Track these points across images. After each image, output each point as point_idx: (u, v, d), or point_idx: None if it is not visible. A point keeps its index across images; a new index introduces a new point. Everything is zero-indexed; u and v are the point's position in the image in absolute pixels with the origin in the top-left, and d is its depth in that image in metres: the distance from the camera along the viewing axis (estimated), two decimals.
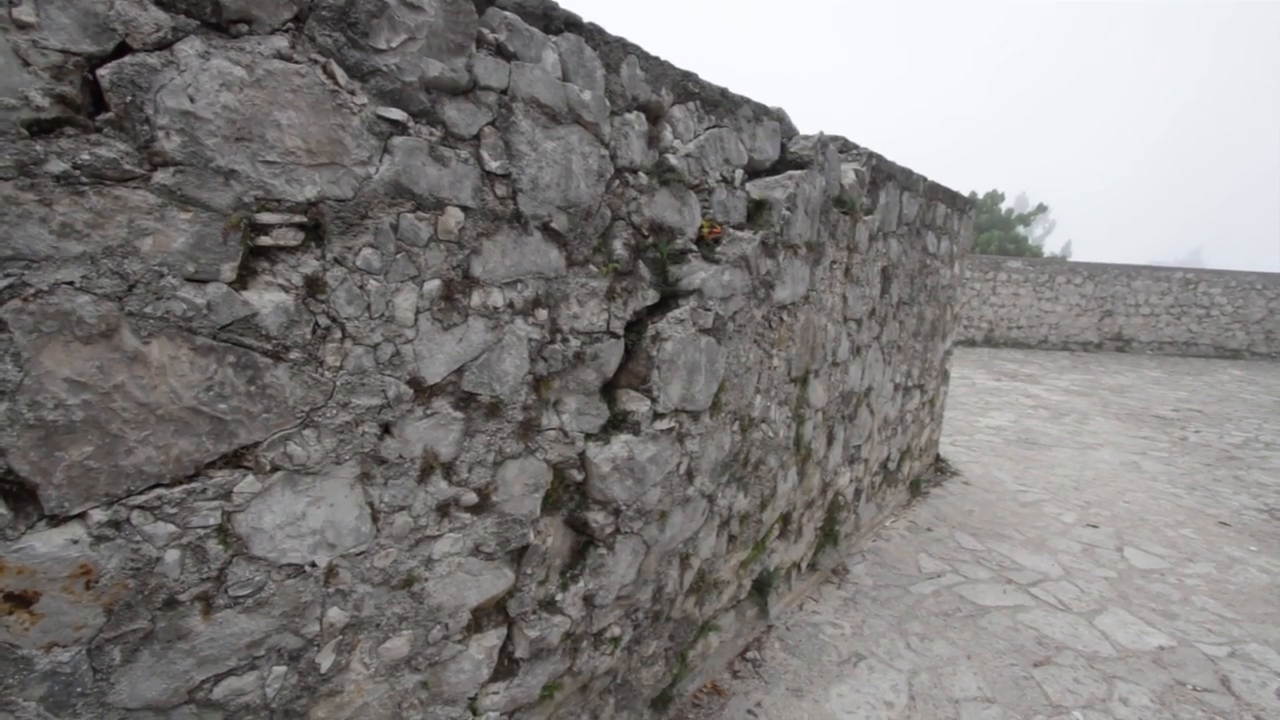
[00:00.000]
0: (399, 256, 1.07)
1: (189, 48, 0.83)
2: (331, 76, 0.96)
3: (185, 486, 0.89)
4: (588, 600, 1.56)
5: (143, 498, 0.85)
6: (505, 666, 1.42)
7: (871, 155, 2.68)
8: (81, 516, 0.81)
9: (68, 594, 0.81)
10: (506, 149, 1.21)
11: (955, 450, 5.43)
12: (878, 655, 2.50)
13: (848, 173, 2.44)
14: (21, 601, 0.78)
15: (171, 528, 0.88)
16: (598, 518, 1.53)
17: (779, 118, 2.11)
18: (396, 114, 1.04)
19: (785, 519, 2.56)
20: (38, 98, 0.73)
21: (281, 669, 1.02)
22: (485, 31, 1.16)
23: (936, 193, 3.68)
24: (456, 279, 1.16)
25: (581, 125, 1.36)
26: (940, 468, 4.80)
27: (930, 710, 2.21)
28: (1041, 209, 17.80)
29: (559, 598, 1.50)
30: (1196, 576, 3.31)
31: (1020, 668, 2.46)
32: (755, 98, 1.98)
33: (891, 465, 3.79)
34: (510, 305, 1.27)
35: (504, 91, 1.19)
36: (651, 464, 1.61)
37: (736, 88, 1.87)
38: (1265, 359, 12.99)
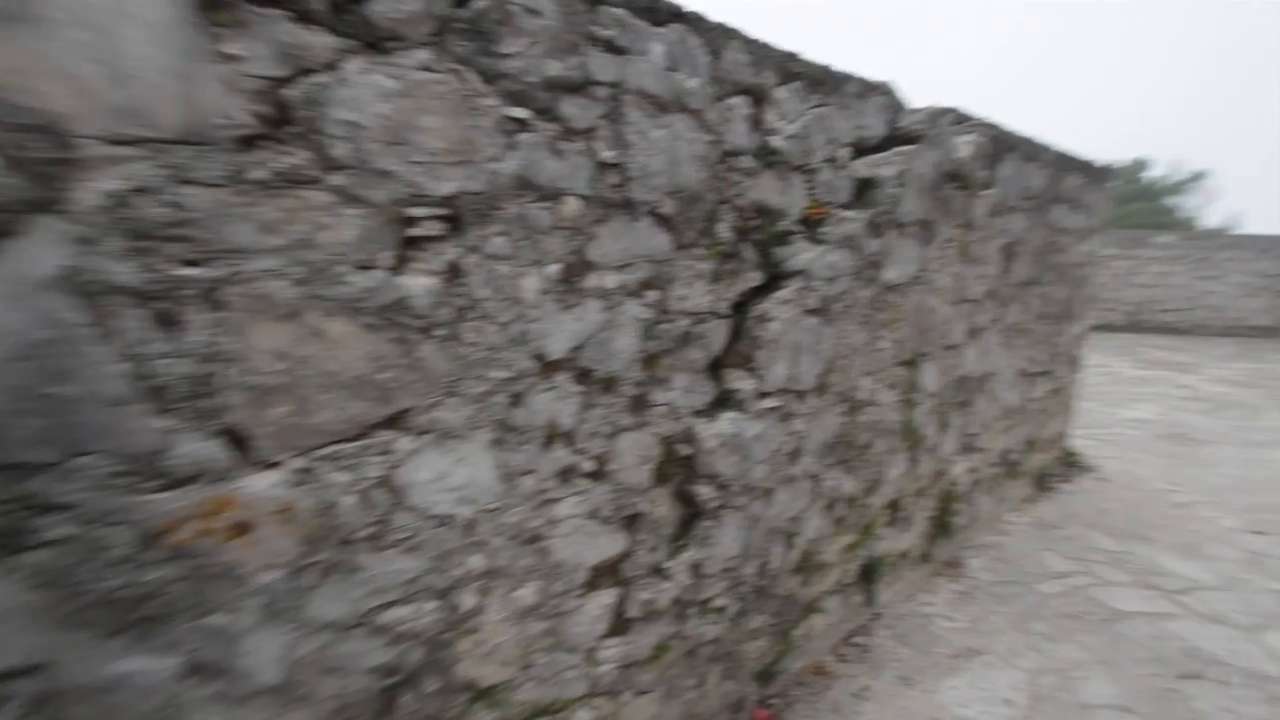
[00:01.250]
0: (524, 243, 1.18)
1: (353, 66, 0.97)
2: (466, 82, 1.08)
3: (357, 443, 1.05)
4: (695, 569, 1.63)
5: (326, 450, 1.02)
6: (619, 624, 1.52)
7: (991, 126, 2.53)
8: (282, 464, 0.98)
9: (274, 526, 0.98)
10: (617, 139, 1.29)
11: (1090, 445, 4.96)
12: (996, 652, 2.38)
13: (963, 146, 2.32)
14: (243, 530, 0.96)
15: (348, 477, 1.04)
16: (704, 491, 1.59)
17: (886, 92, 2.05)
18: (521, 113, 1.14)
19: (894, 506, 2.50)
20: (243, 117, 0.89)
21: (432, 604, 1.18)
22: (596, 29, 1.24)
23: (1067, 162, 3.38)
24: (574, 262, 1.26)
25: (687, 112, 1.41)
26: (1071, 462, 4.43)
27: (1056, 713, 2.08)
28: (1197, 177, 15.61)
29: (668, 565, 1.58)
30: None
31: (1164, 679, 2.26)
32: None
33: (1013, 457, 3.55)
34: (622, 287, 1.35)
35: (615, 85, 1.27)
36: (757, 441, 1.65)
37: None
38: None
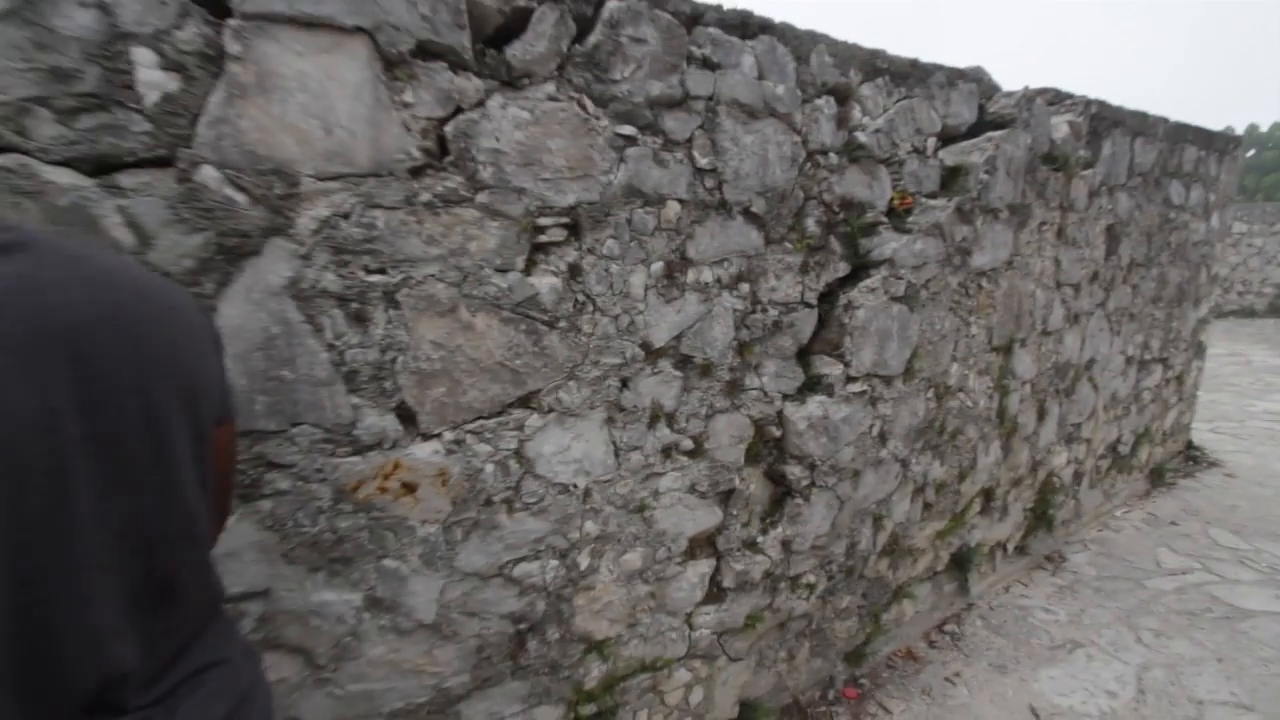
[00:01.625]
0: (632, 244, 1.33)
1: (495, 102, 1.15)
2: (583, 108, 1.24)
3: (496, 419, 1.24)
4: (785, 545, 1.74)
5: (472, 425, 1.21)
6: (715, 593, 1.66)
7: (1091, 103, 2.44)
8: (439, 435, 1.19)
9: (433, 487, 1.19)
10: (712, 146, 1.42)
11: (1218, 438, 4.59)
12: (1099, 645, 2.33)
13: (1060, 126, 2.27)
14: (409, 489, 1.17)
15: (488, 448, 1.23)
16: (794, 471, 1.70)
17: (976, 78, 2.05)
18: (628, 129, 1.29)
19: (988, 494, 2.48)
20: (414, 151, 1.09)
21: (555, 562, 1.36)
22: (694, 49, 1.37)
23: (1183, 134, 3.17)
24: (675, 260, 1.40)
25: (776, 117, 1.52)
26: (1193, 456, 4.13)
27: (1165, 707, 2.03)
28: None
29: (760, 539, 1.70)
30: None
31: None
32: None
33: (1123, 449, 3.38)
34: (718, 280, 1.48)
35: (710, 98, 1.39)
36: (844, 424, 1.74)
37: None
38: None
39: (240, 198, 0.96)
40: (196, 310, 0.68)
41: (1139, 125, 2.80)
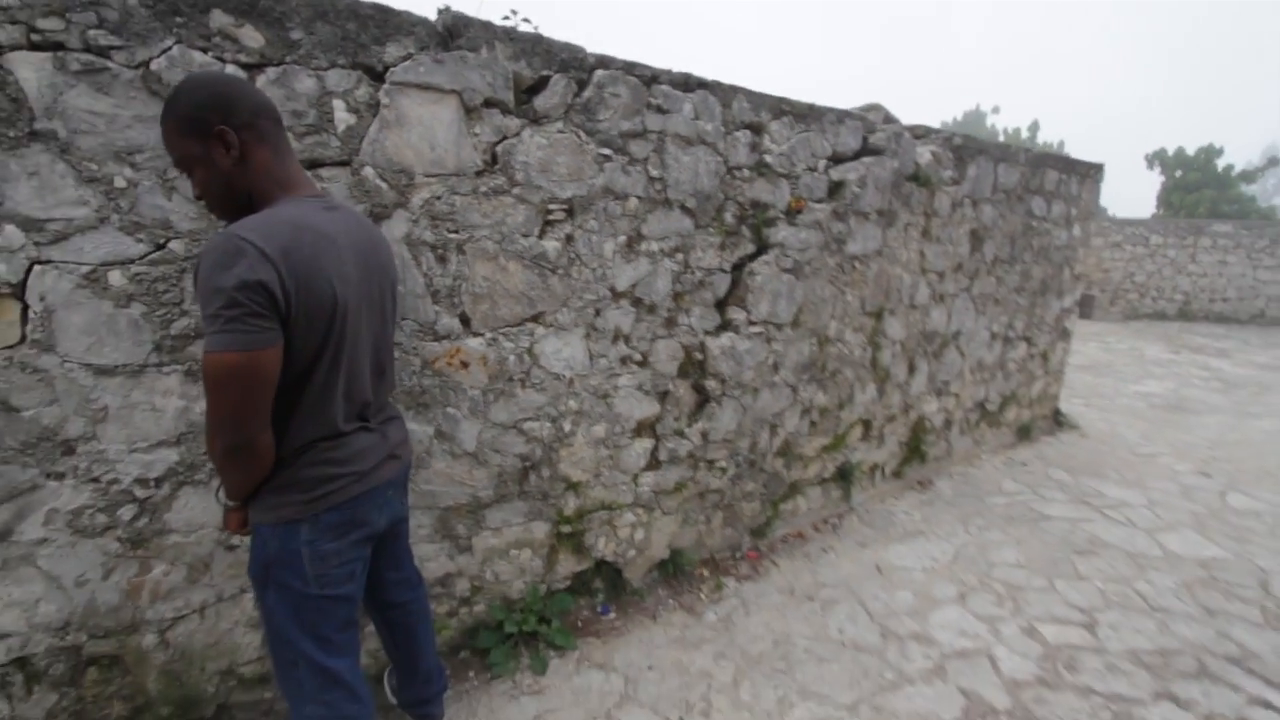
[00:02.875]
0: (606, 224, 2.10)
1: (526, 133, 1.90)
2: (579, 136, 2.00)
3: (517, 327, 2.00)
4: (704, 435, 2.54)
5: (503, 330, 1.97)
6: (653, 462, 2.45)
7: (954, 136, 3.27)
8: (483, 334, 1.94)
9: (478, 366, 1.95)
10: (661, 163, 2.19)
11: (1088, 410, 5.56)
12: (936, 534, 3.20)
13: (924, 154, 3.09)
14: (465, 365, 1.93)
15: (512, 345, 2.00)
16: (711, 384, 2.49)
17: (861, 118, 2.86)
18: (607, 151, 2.06)
19: (866, 424, 3.32)
20: (478, 161, 1.83)
21: (549, 424, 2.13)
22: (650, 99, 2.13)
23: (1045, 160, 4.04)
24: (633, 235, 2.17)
25: (706, 145, 2.29)
26: (1059, 421, 5.07)
27: (967, 563, 2.90)
28: (1273, 162, 14.99)
29: (686, 430, 2.49)
30: None
31: (1062, 554, 3.02)
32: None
33: (991, 406, 4.28)
34: (662, 250, 2.25)
35: (660, 132, 2.16)
36: (747, 354, 2.54)
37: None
38: None
39: (383, 185, 1.70)
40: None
41: (1001, 153, 3.65)
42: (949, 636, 2.38)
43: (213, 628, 1.71)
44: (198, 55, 1.43)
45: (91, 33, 1.34)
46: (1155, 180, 16.31)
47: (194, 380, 1.55)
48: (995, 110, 18.62)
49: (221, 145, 1.13)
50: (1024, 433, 4.67)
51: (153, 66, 1.40)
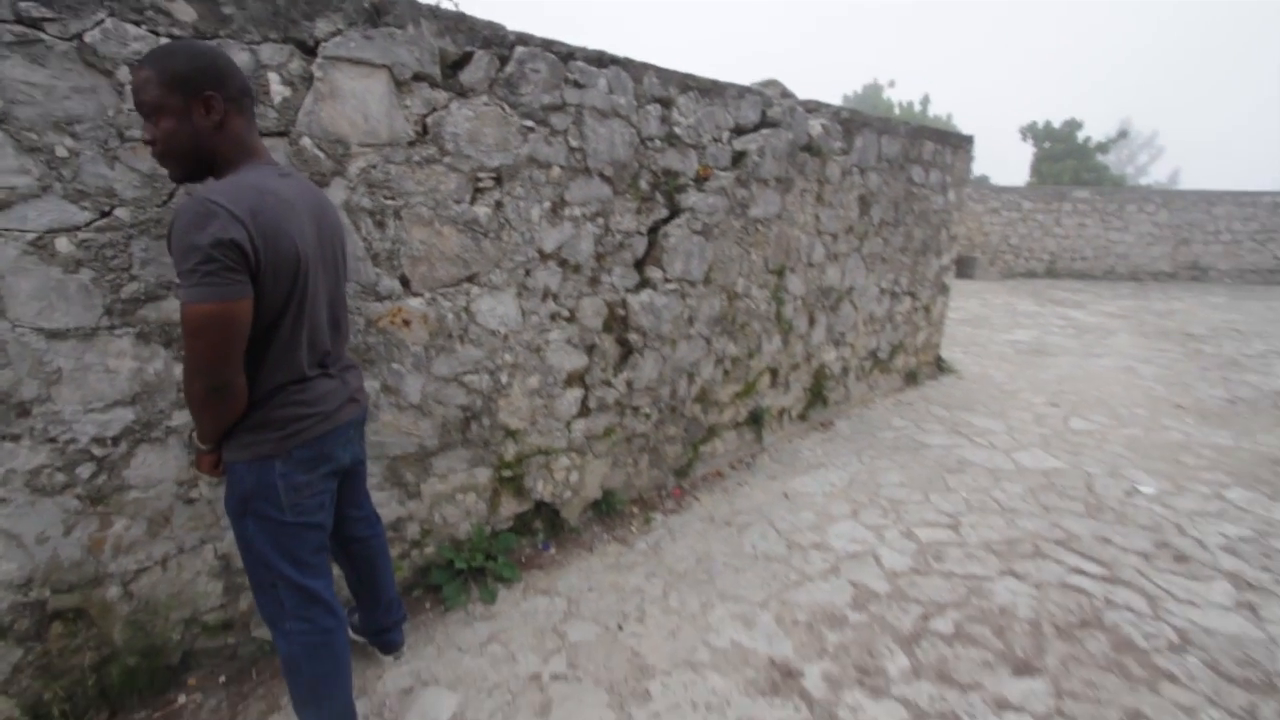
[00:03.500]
0: (532, 191, 2.28)
1: (454, 105, 2.04)
2: (503, 109, 2.16)
3: (454, 288, 2.16)
4: (628, 384, 2.80)
5: (441, 290, 2.13)
6: (584, 410, 2.69)
7: (842, 110, 3.64)
8: (423, 295, 2.10)
9: (420, 324, 2.10)
10: (580, 134, 2.38)
11: (966, 357, 6.28)
12: (835, 465, 3.65)
13: (815, 126, 3.43)
14: (406, 323, 2.08)
15: (450, 304, 2.16)
16: (633, 337, 2.75)
17: (759, 93, 3.15)
18: (530, 123, 2.23)
19: (774, 373, 3.70)
20: (410, 132, 1.97)
21: (487, 377, 2.32)
22: (568, 75, 2.31)
23: (922, 133, 4.52)
24: (557, 201, 2.37)
25: (620, 117, 2.50)
26: (941, 367, 5.72)
27: (859, 486, 3.35)
28: (1122, 135, 16.98)
29: (612, 379, 2.75)
30: (1121, 435, 4.19)
31: (935, 473, 3.54)
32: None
33: (882, 355, 4.80)
34: (584, 215, 2.46)
35: (579, 105, 2.35)
36: (664, 309, 2.81)
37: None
38: None
39: (321, 154, 1.81)
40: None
41: (884, 126, 4.07)
42: (843, 544, 2.80)
43: (175, 578, 1.82)
44: (131, 28, 1.50)
45: (23, 4, 1.38)
46: (1030, 151, 17.96)
47: (146, 342, 1.63)
48: (891, 84, 19.77)
49: (203, 108, 1.25)
50: (911, 377, 5.26)
51: (86, 39, 1.45)
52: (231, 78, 1.29)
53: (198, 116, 1.25)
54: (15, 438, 1.53)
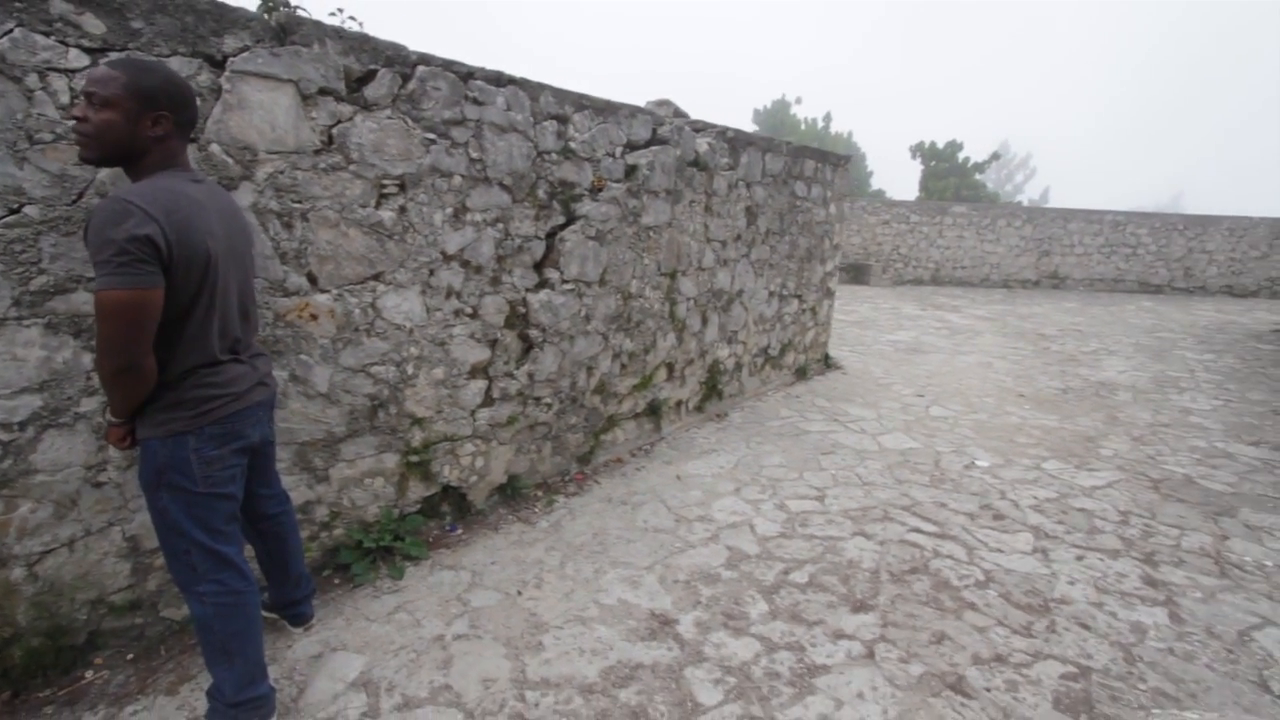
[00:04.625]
0: (435, 197, 2.50)
1: (359, 118, 2.23)
2: (406, 123, 2.36)
3: (361, 285, 2.34)
4: (530, 376, 3.05)
5: (348, 287, 2.31)
6: (488, 400, 2.92)
7: (728, 130, 4.05)
8: (330, 291, 2.26)
9: (327, 318, 2.27)
10: (480, 146, 2.62)
11: (852, 355, 6.93)
12: (725, 451, 4.03)
13: (702, 144, 3.82)
14: (314, 318, 2.24)
15: (357, 300, 2.34)
16: (533, 332, 3.00)
17: (650, 113, 3.48)
18: (432, 135, 2.44)
19: (670, 367, 4.05)
20: (316, 142, 2.14)
21: (394, 368, 2.51)
22: (468, 93, 2.54)
23: (804, 151, 5.03)
24: (459, 207, 2.59)
25: (518, 132, 2.76)
26: (829, 363, 6.30)
27: (745, 467, 3.75)
28: (996, 156, 18.99)
29: (515, 372, 2.99)
30: (970, 420, 4.84)
31: (812, 455, 4.00)
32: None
33: (773, 352, 5.27)
34: (485, 220, 2.70)
35: (478, 120, 2.59)
36: (562, 307, 3.08)
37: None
38: (1182, 293, 14.43)
39: (229, 160, 1.96)
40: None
41: (767, 144, 4.53)
42: (724, 516, 3.16)
43: (82, 560, 1.90)
44: (40, 39, 1.61)
45: None
46: (919, 168, 19.61)
47: (55, 332, 1.73)
48: (798, 101, 20.98)
49: (151, 121, 1.42)
50: (801, 373, 5.78)
51: None
52: (187, 108, 1.50)
53: (143, 125, 1.42)
54: None
